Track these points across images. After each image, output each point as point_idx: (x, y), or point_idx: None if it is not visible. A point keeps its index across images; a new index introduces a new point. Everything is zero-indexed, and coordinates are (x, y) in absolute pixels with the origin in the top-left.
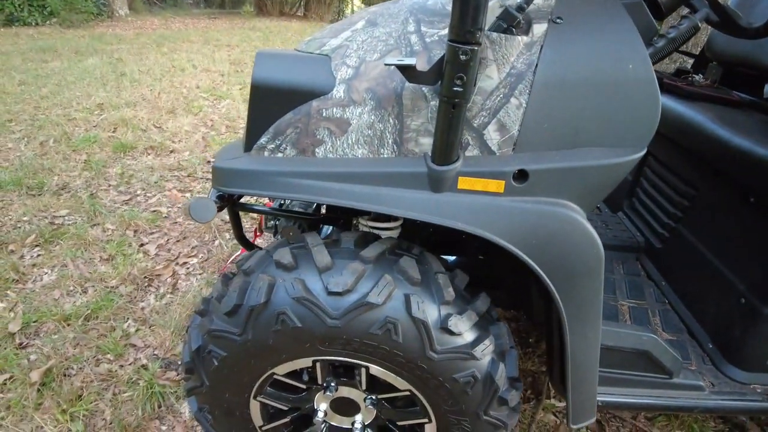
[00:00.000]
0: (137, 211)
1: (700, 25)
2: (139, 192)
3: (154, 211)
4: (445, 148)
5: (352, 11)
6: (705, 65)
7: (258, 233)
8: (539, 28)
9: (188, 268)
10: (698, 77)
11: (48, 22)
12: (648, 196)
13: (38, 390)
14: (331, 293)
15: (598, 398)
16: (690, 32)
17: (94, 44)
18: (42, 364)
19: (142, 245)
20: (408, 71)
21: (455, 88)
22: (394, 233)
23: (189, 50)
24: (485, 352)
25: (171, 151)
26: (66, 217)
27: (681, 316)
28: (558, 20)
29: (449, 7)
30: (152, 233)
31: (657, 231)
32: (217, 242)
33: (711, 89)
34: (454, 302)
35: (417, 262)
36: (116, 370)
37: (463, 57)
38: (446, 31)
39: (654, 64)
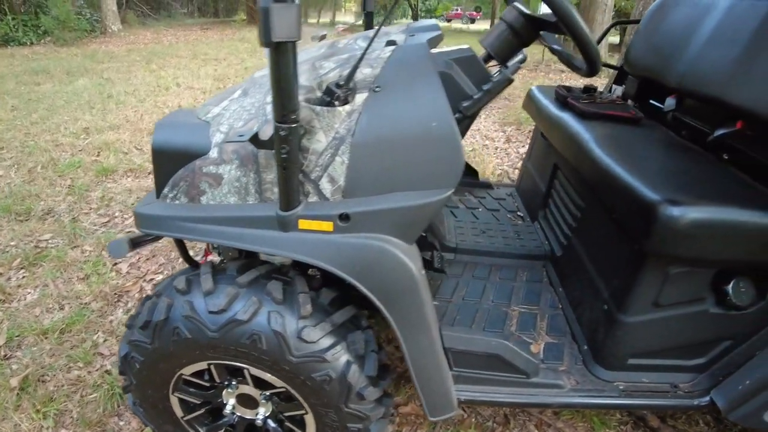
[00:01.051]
0: (113, 233)
1: (513, 78)
2: (117, 214)
3: (129, 231)
4: (285, 198)
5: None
6: (625, 77)
7: (208, 252)
8: (360, 97)
9: (154, 284)
10: (607, 93)
11: (42, 41)
12: (555, 207)
13: (17, 394)
14: (210, 312)
15: (459, 395)
16: (503, 84)
17: (86, 63)
18: (21, 372)
19: (115, 264)
20: (253, 140)
21: (282, 155)
22: (285, 260)
23: (177, 66)
24: (337, 355)
25: (149, 173)
26: (49, 241)
27: (568, 320)
28: (377, 89)
29: (303, 80)
30: None
31: (559, 240)
32: (180, 260)
33: (611, 106)
34: (310, 316)
35: (286, 284)
36: (84, 376)
37: (282, 133)
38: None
39: (475, 112)
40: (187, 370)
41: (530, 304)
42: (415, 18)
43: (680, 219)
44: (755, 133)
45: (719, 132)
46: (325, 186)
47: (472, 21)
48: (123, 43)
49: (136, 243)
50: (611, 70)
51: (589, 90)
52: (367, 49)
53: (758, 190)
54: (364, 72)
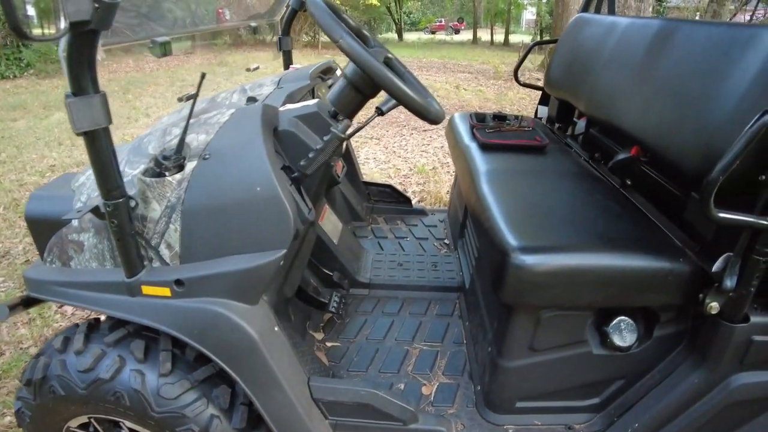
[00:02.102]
0: None
1: (344, 136)
2: None
3: None
4: (126, 266)
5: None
6: (549, 99)
7: None
8: (190, 166)
9: None
10: (514, 119)
11: (25, 73)
12: (468, 237)
13: None
14: (79, 371)
15: None
16: (334, 143)
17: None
18: None
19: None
20: (95, 211)
21: (114, 228)
22: None
23: (153, 94)
24: (198, 411)
25: None
26: (1, 284)
27: (468, 358)
28: (206, 156)
29: (150, 148)
30: None
31: (470, 271)
32: None
33: (516, 134)
34: (170, 374)
35: (151, 341)
36: (14, 421)
37: (109, 209)
38: (138, 171)
39: (311, 170)
40: (73, 423)
41: (434, 341)
42: (399, 33)
43: (527, 268)
44: (648, 159)
45: (617, 158)
46: (164, 252)
47: (456, 32)
48: (105, 73)
49: (29, 303)
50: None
51: (499, 117)
52: (188, 122)
53: (646, 226)
54: (199, 139)
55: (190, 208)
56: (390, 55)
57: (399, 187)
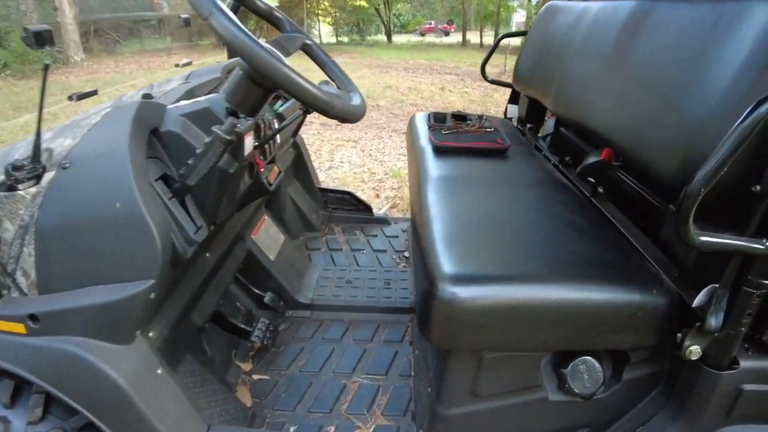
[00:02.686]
0: None
1: (229, 138)
2: None
3: None
4: None
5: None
6: (519, 96)
7: None
8: (48, 177)
9: None
10: (476, 119)
11: (2, 74)
12: None
13: None
14: None
15: None
16: (217, 146)
17: (37, 98)
18: None
19: None
20: None
21: None
22: None
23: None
24: None
25: None
26: None
27: (413, 395)
28: (66, 165)
29: (18, 155)
30: None
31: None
32: None
33: (476, 136)
34: (41, 421)
35: (25, 382)
36: None
37: None
38: None
39: (193, 180)
40: None
41: (377, 374)
42: (388, 35)
43: (457, 304)
44: (621, 163)
45: (586, 162)
46: (21, 280)
47: (446, 34)
48: (84, 74)
49: None
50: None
51: (459, 117)
52: (39, 124)
53: (615, 245)
54: (65, 144)
55: (44, 228)
56: (309, 42)
57: (372, 192)
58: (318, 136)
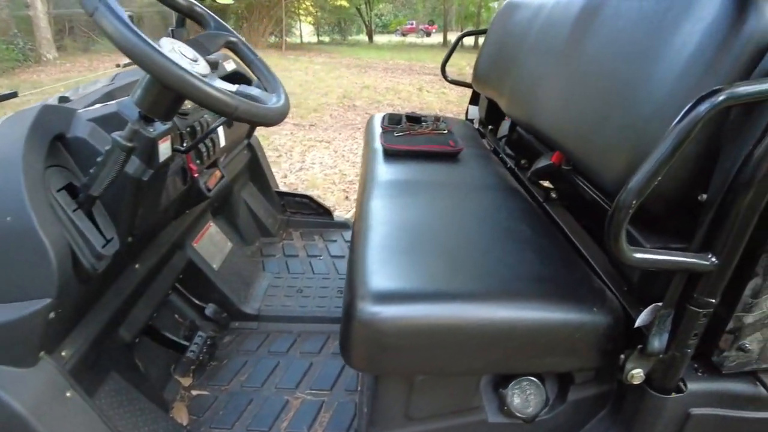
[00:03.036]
0: None
1: (130, 145)
2: None
3: None
4: None
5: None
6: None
7: None
8: None
9: None
10: (431, 121)
11: None
12: None
13: None
14: None
15: None
16: (119, 154)
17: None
18: None
19: None
20: None
21: None
22: None
23: None
24: None
25: None
26: None
27: (357, 411)
28: None
29: None
30: None
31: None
32: None
33: (428, 138)
34: None
35: None
36: None
37: None
38: None
39: (98, 191)
40: None
41: (321, 389)
42: (369, 35)
43: (376, 325)
44: (572, 166)
45: (536, 166)
46: None
47: (428, 34)
48: (57, 72)
49: None
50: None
51: (412, 119)
52: None
53: (560, 257)
54: None
55: None
56: (234, 39)
57: (341, 194)
58: (290, 137)
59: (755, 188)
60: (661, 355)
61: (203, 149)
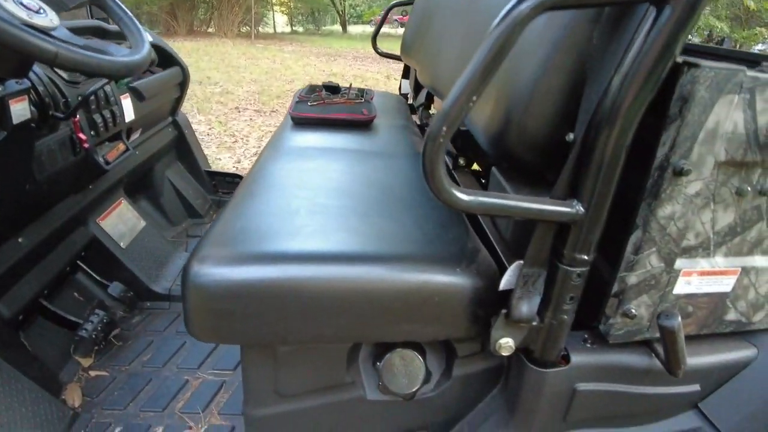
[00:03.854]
0: None
1: None
2: None
3: None
4: None
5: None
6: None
7: None
8: None
9: None
10: (346, 90)
11: None
12: None
13: None
14: None
15: None
16: None
17: None
18: None
19: None
20: None
21: None
22: None
23: None
24: None
25: None
26: None
27: None
28: None
29: None
30: None
31: None
32: None
33: (340, 107)
34: None
35: None
36: None
37: None
38: None
39: None
40: None
41: (224, 369)
42: (343, 26)
43: (205, 287)
44: (467, 129)
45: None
46: None
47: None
48: None
49: None
50: None
51: (330, 89)
52: None
53: (444, 222)
54: None
55: None
56: None
57: None
58: (248, 123)
59: (620, 123)
60: (534, 323)
61: (99, 119)
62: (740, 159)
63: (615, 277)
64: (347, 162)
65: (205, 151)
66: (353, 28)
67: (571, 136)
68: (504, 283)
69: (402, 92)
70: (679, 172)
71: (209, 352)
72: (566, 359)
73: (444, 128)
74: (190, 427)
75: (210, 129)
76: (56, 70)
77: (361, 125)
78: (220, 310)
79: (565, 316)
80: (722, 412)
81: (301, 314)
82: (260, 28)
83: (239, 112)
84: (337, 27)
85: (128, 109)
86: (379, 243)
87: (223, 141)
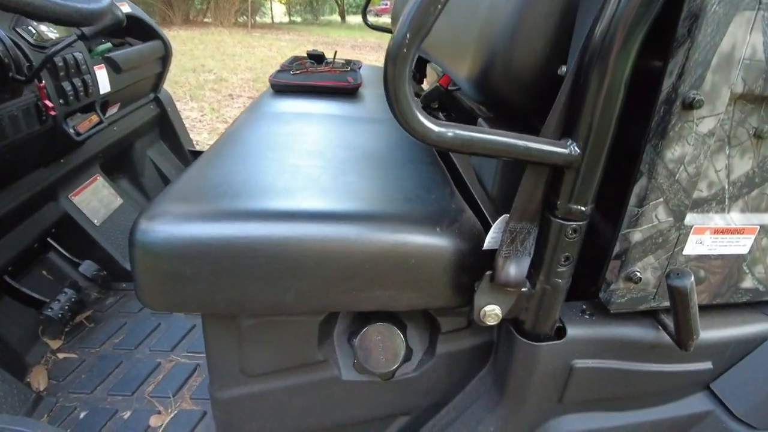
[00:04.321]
0: None
1: None
2: None
3: None
4: None
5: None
6: None
7: None
8: None
9: None
10: (335, 62)
11: None
12: None
13: None
14: None
15: None
16: None
17: None
18: None
19: None
20: None
21: None
22: None
23: None
24: None
25: None
26: None
27: None
28: None
29: None
30: None
31: None
32: None
33: (325, 75)
34: None
35: None
36: None
37: None
38: None
39: None
40: None
41: (199, 351)
42: (342, 15)
43: (153, 246)
44: (456, 88)
45: (425, 92)
46: None
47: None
48: None
49: None
50: None
51: (315, 57)
52: None
53: (428, 180)
54: None
55: None
56: None
57: None
58: (242, 109)
59: (618, 50)
60: (524, 289)
61: (68, 87)
62: (759, 92)
63: (617, 235)
64: (327, 126)
65: (196, 137)
66: (352, 18)
67: (563, 69)
68: (488, 241)
69: None
70: (690, 105)
71: (184, 334)
72: (561, 332)
73: (408, 35)
74: (159, 412)
75: (202, 116)
76: (20, 32)
77: (346, 93)
78: (171, 273)
79: (560, 281)
80: (737, 393)
81: (261, 278)
82: (258, 18)
83: (233, 98)
84: (336, 17)
85: (103, 80)
86: (351, 202)
87: (215, 127)
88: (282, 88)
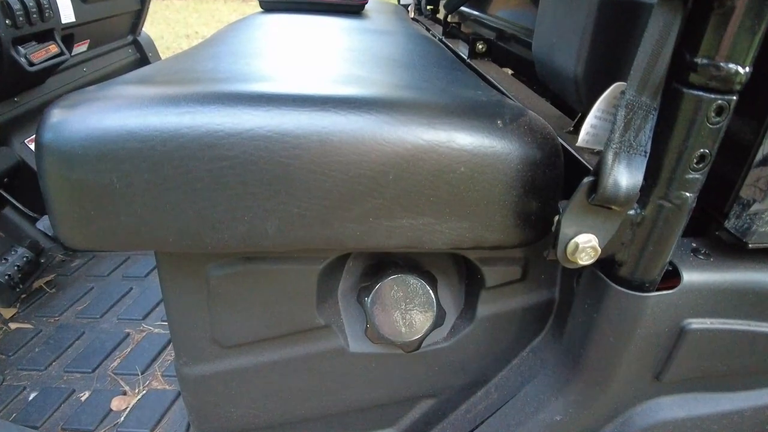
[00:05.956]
0: None
1: None
2: None
3: None
4: None
5: None
6: None
7: None
8: None
9: None
10: None
11: None
12: None
13: None
14: None
15: None
16: None
17: None
18: None
19: None
20: None
21: None
22: None
23: None
24: None
25: None
26: None
27: None
28: None
29: None
30: None
31: None
32: None
33: None
34: None
35: None
36: None
37: None
38: None
39: None
40: None
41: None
42: None
43: (56, 144)
44: None
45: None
46: None
47: None
48: None
49: None
50: None
51: None
52: None
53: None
54: None
55: None
56: None
57: None
58: None
59: None
60: (633, 211)
61: (17, 6)
62: None
63: (762, 131)
64: (331, 34)
65: None
66: None
67: None
68: (585, 133)
69: (402, 2)
70: None
71: (159, 300)
72: (672, 279)
73: None
74: (124, 392)
75: None
76: None
77: (349, 10)
78: (96, 185)
79: (688, 194)
80: None
81: (229, 193)
82: None
83: None
84: None
85: (65, 7)
86: (368, 88)
87: None
88: (273, 5)
